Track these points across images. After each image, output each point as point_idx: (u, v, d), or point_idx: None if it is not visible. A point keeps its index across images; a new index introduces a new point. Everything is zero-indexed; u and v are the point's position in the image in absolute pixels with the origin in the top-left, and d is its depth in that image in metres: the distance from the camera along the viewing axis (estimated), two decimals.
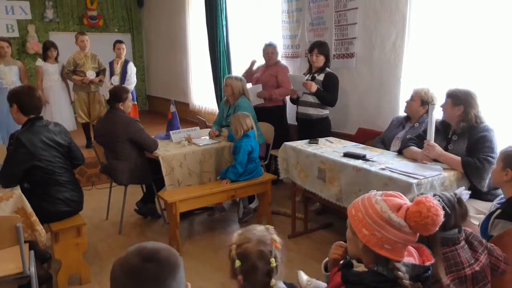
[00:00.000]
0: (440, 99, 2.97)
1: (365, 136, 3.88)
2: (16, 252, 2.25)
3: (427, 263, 1.37)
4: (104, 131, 3.64)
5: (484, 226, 1.99)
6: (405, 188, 2.34)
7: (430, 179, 2.44)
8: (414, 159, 2.77)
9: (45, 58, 5.52)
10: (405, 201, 1.35)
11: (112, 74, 5.56)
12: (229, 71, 5.77)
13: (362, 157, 2.85)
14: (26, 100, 2.74)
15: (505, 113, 2.96)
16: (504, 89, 2.97)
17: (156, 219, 4.03)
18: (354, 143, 3.40)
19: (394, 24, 3.70)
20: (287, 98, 4.61)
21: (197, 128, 4.21)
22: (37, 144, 2.71)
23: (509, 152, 2.02)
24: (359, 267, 1.36)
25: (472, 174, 2.52)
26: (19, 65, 5.30)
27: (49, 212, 2.77)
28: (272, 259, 1.34)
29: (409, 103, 3.24)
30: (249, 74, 4.83)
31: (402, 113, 3.50)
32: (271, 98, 4.60)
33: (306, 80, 3.95)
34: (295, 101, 4.23)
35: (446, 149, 2.72)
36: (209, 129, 4.38)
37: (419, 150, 2.77)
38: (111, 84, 5.37)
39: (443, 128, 2.84)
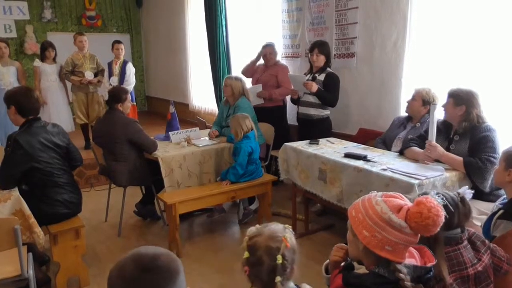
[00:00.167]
0: (441, 99, 2.95)
1: (366, 137, 3.87)
2: (14, 254, 2.23)
3: (429, 264, 1.37)
4: (103, 132, 3.62)
5: (487, 226, 1.98)
6: (407, 189, 2.33)
7: (432, 179, 2.43)
8: (415, 160, 2.76)
9: (43, 58, 5.49)
10: (405, 202, 1.34)
11: (110, 74, 5.53)
12: (229, 71, 5.76)
13: (363, 158, 2.84)
14: (23, 101, 2.72)
15: (507, 113, 2.95)
16: (506, 88, 2.96)
17: (156, 220, 4.01)
18: (355, 144, 3.39)
19: (395, 23, 3.68)
20: (288, 98, 4.59)
21: (197, 128, 4.19)
22: (35, 146, 2.69)
23: None
24: (360, 269, 1.35)
25: (474, 174, 2.51)
26: (17, 66, 5.29)
27: (47, 214, 2.75)
28: (279, 256, 1.32)
29: (411, 103, 3.23)
30: (253, 66, 4.79)
31: (403, 113, 3.49)
32: (271, 98, 4.58)
33: (307, 80, 3.94)
34: (296, 101, 4.21)
35: (447, 149, 2.70)
36: (208, 130, 4.36)
37: (421, 150, 2.76)
38: (110, 84, 5.35)
39: (444, 128, 2.82)
